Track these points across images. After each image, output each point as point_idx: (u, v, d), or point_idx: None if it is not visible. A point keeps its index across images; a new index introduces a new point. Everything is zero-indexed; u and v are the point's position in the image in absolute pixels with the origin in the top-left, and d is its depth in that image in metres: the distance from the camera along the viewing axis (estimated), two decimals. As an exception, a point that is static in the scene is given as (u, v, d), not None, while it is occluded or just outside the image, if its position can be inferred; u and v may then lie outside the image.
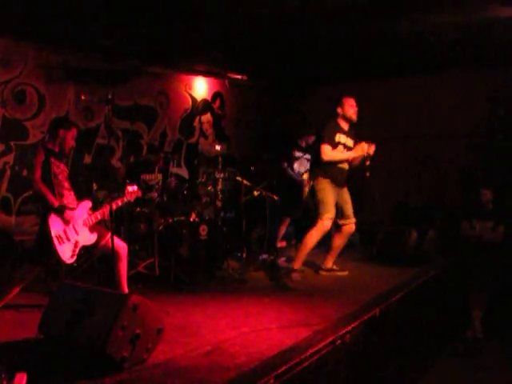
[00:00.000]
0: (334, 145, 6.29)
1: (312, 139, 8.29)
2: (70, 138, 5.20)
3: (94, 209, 5.23)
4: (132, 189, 5.57)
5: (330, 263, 6.87)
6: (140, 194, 5.69)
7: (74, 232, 4.97)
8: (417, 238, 7.51)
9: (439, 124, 9.57)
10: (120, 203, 5.43)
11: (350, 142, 6.44)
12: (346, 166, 6.45)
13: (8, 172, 7.03)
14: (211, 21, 6.65)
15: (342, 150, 6.37)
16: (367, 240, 8.27)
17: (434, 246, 7.62)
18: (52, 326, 4.04)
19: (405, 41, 7.60)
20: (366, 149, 6.27)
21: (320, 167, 6.35)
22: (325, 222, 6.26)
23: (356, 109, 6.43)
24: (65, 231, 4.89)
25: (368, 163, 6.29)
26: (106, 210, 5.20)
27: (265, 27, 6.98)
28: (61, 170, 5.14)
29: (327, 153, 6.21)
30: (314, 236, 6.31)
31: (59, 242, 4.82)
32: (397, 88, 9.91)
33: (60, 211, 4.86)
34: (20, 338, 4.36)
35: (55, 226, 4.84)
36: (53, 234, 4.79)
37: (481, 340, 6.74)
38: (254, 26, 6.92)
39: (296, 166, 8.27)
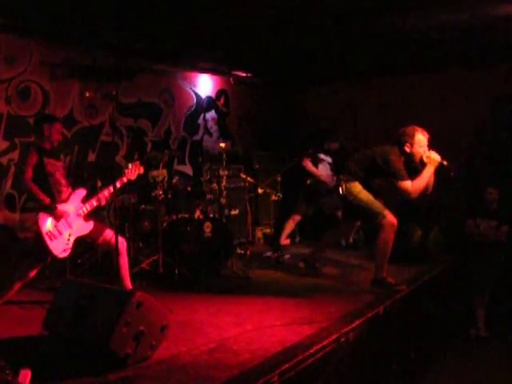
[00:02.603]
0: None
1: (335, 146, 8.20)
2: (55, 132, 5.23)
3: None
4: (132, 166, 5.50)
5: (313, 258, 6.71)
6: (142, 169, 5.59)
7: (67, 225, 4.99)
8: (421, 235, 7.50)
9: (443, 122, 9.53)
10: (120, 184, 5.37)
11: None
12: None
13: (12, 169, 7.02)
14: (216, 18, 6.64)
15: None
16: (371, 238, 8.26)
17: (437, 244, 7.62)
18: (56, 323, 4.05)
19: (406, 39, 7.58)
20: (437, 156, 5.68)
21: (350, 173, 5.90)
22: (389, 217, 5.67)
23: (427, 150, 5.70)
24: (56, 226, 4.91)
25: (446, 163, 5.70)
26: (101, 196, 5.20)
27: (269, 24, 6.96)
28: (56, 167, 5.19)
29: (414, 188, 5.58)
30: (387, 238, 5.69)
31: (50, 238, 4.84)
32: (399, 86, 9.88)
33: (50, 208, 4.88)
34: (24, 335, 4.38)
35: (45, 222, 4.87)
36: (43, 231, 4.81)
37: (484, 338, 6.75)
38: (259, 23, 6.91)
39: (320, 167, 8.13)
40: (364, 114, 10.12)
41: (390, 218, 5.70)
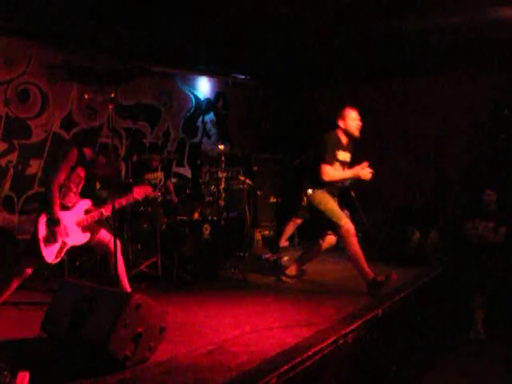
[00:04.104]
0: (333, 163, 5.87)
1: None
2: (100, 163, 5.20)
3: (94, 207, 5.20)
4: (141, 188, 5.44)
5: (294, 271, 6.48)
6: (150, 191, 5.57)
7: (64, 234, 4.94)
8: (419, 238, 7.51)
9: (442, 124, 9.56)
10: (125, 202, 5.28)
11: (347, 157, 6.00)
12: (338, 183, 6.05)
13: (11, 171, 7.04)
14: (215, 20, 6.65)
15: (339, 166, 5.96)
16: (369, 241, 8.27)
17: (436, 246, 7.62)
18: (54, 325, 4.05)
19: (407, 41, 7.60)
20: (367, 175, 5.84)
21: (315, 181, 5.91)
22: (347, 226, 5.73)
23: (359, 123, 5.97)
24: (53, 232, 4.87)
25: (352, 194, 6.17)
26: (105, 209, 5.08)
27: (269, 27, 6.98)
28: (80, 177, 5.10)
29: (329, 173, 5.79)
30: (351, 246, 5.77)
31: (45, 244, 4.82)
32: (399, 88, 9.90)
33: (54, 224, 4.83)
34: (23, 337, 4.37)
35: (44, 227, 4.85)
36: (40, 235, 4.80)
37: (483, 341, 6.74)
38: (258, 26, 6.92)
39: None
40: (364, 116, 10.12)
41: (347, 226, 5.76)
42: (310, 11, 6.39)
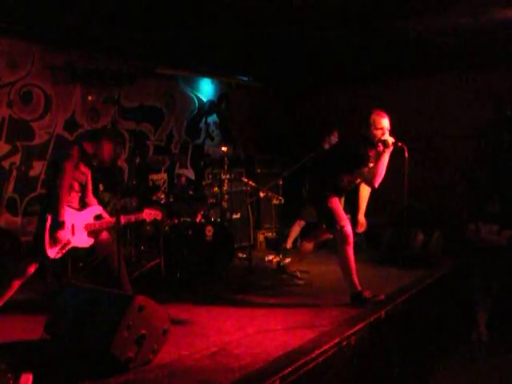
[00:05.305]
0: None
1: (334, 139, 7.92)
2: (106, 152, 5.17)
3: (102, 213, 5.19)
4: (152, 210, 5.49)
5: (294, 266, 6.57)
6: (160, 216, 5.59)
7: (70, 232, 4.92)
8: (422, 240, 7.50)
9: (445, 125, 9.54)
10: (133, 220, 5.34)
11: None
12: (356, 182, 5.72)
13: (14, 172, 7.04)
14: (218, 22, 6.65)
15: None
16: (373, 242, 8.25)
17: (439, 248, 7.61)
18: (58, 327, 4.05)
19: (409, 41, 7.58)
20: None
21: (329, 178, 5.62)
22: (345, 230, 5.38)
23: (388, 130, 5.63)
24: (58, 233, 4.85)
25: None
26: (113, 221, 5.07)
27: (270, 28, 6.97)
28: (83, 175, 5.08)
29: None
30: (345, 253, 5.40)
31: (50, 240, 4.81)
32: (401, 89, 9.88)
33: (59, 226, 4.78)
34: (26, 339, 4.37)
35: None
36: (47, 231, 4.78)
37: (486, 343, 6.72)
38: (261, 28, 6.92)
39: None
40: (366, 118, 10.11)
41: (346, 230, 5.41)
42: (311, 13, 6.38)
